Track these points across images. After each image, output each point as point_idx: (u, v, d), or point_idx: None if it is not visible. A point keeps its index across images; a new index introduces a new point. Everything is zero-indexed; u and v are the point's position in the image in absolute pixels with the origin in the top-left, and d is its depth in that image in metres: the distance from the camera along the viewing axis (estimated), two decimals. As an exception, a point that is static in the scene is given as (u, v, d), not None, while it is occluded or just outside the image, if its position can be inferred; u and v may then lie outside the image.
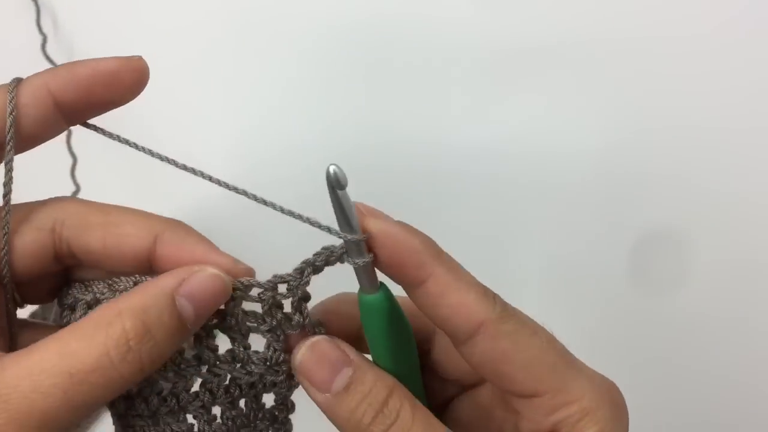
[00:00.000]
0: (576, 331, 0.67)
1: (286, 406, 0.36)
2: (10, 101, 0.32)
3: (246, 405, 0.36)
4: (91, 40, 0.70)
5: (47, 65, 0.68)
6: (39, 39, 0.68)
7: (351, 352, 0.33)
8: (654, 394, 0.64)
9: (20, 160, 0.34)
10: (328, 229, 0.32)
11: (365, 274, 0.32)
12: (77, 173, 0.67)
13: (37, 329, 0.36)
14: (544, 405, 0.32)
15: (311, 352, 0.33)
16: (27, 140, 0.33)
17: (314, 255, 0.33)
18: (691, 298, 0.64)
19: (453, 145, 0.67)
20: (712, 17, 0.64)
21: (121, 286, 0.34)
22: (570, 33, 0.66)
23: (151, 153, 0.34)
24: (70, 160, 0.67)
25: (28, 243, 0.34)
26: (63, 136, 0.41)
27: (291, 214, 0.33)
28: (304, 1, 0.68)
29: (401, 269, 0.32)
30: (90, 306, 0.34)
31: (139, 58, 0.34)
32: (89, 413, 0.30)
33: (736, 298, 0.64)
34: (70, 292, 0.35)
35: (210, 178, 0.34)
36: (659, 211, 0.66)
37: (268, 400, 0.36)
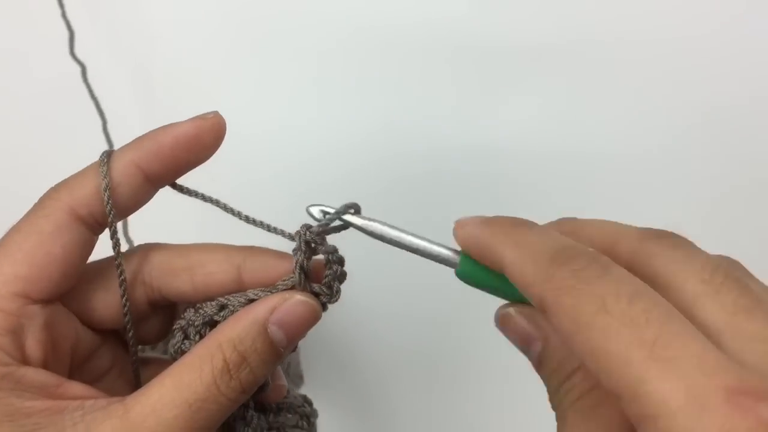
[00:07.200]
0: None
1: None
2: (104, 177, 0.33)
3: None
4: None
5: (86, 95, 0.65)
6: (77, 68, 0.65)
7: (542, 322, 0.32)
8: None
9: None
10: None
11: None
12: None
13: (156, 363, 0.40)
14: None
15: (503, 323, 0.33)
16: (122, 213, 0.35)
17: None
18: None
19: (452, 144, 0.66)
20: (709, 18, 0.63)
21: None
22: (570, 32, 0.64)
23: (239, 215, 0.36)
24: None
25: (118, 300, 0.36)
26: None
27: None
28: (297, 2, 0.67)
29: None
30: (199, 331, 0.36)
31: (215, 114, 0.35)
32: None
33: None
34: (180, 319, 0.37)
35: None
36: (659, 211, 0.64)
37: None
